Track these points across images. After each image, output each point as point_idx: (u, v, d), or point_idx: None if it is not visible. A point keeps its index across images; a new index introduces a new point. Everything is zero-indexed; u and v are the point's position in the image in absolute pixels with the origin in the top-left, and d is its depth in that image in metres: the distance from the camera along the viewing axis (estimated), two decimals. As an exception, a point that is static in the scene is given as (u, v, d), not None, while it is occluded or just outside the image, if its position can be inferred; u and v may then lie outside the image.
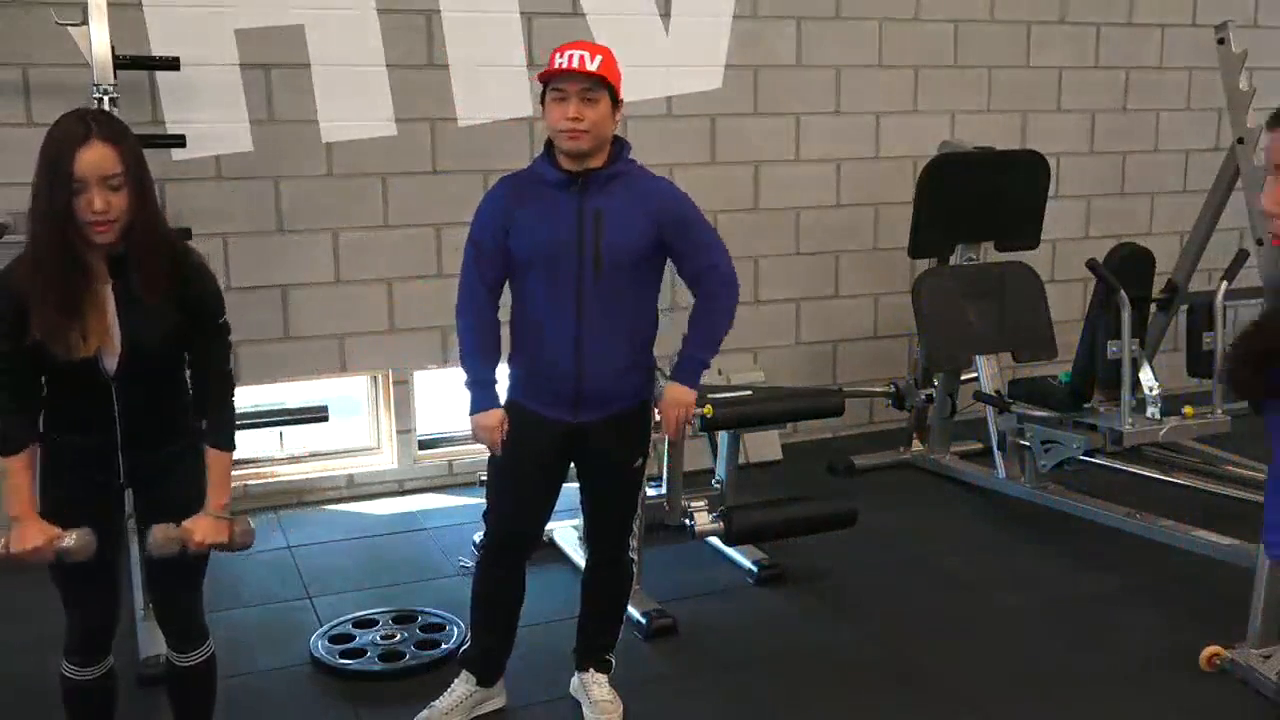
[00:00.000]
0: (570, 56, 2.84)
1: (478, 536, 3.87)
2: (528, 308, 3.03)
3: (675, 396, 3.11)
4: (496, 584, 3.24)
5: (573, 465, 3.20)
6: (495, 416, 3.07)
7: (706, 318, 3.10)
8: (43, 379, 2.48)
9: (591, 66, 2.82)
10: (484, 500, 3.25)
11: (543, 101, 2.93)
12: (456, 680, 3.30)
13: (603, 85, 2.84)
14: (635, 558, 3.37)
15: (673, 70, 5.30)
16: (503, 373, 3.15)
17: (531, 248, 2.95)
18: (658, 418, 3.19)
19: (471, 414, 3.09)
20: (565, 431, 3.05)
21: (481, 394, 3.08)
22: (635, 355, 3.06)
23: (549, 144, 2.96)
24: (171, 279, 2.45)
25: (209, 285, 2.56)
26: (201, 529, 2.55)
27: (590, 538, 3.34)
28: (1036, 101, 6.07)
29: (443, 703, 3.26)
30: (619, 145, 2.99)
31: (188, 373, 2.61)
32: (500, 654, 3.32)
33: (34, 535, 2.44)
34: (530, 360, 3.05)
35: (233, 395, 2.63)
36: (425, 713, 3.25)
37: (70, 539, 2.44)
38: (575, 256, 2.92)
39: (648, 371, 3.12)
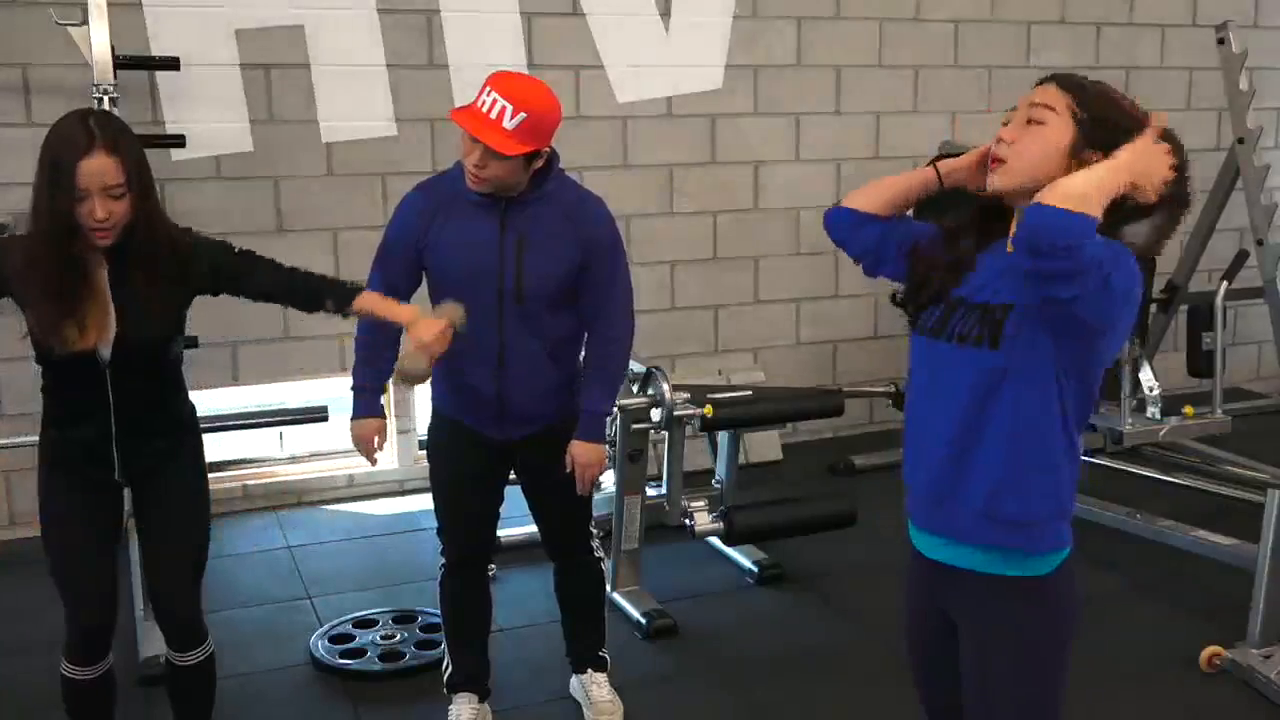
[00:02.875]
0: (492, 106, 2.61)
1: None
2: None
3: (584, 457, 2.95)
4: (462, 599, 3.17)
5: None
6: (371, 426, 3.02)
7: (603, 367, 2.98)
8: (19, 378, 2.49)
9: (508, 124, 2.59)
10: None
11: None
12: (454, 707, 3.20)
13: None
14: (601, 555, 3.30)
15: (673, 70, 5.30)
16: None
17: (449, 271, 2.86)
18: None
19: (351, 419, 3.05)
20: (495, 447, 2.99)
21: (362, 402, 3.03)
22: (561, 375, 2.97)
23: None
24: (171, 270, 2.45)
25: (209, 244, 2.56)
26: (423, 330, 2.54)
27: (548, 546, 3.28)
28: (1037, 101, 6.06)
29: None
30: (547, 162, 2.80)
31: (182, 367, 2.62)
32: (486, 668, 3.25)
33: None
34: (454, 379, 2.95)
35: (314, 272, 2.65)
36: None
37: None
38: (495, 285, 2.81)
39: (574, 386, 3.00)
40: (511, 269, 2.80)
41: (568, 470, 2.98)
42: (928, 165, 2.16)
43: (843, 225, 2.21)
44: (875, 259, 2.21)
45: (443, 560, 3.17)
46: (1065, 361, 1.92)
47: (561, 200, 2.85)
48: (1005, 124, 2.01)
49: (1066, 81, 1.98)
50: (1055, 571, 2.02)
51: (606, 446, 3.06)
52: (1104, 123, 1.93)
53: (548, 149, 2.76)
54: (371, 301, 2.65)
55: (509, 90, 2.63)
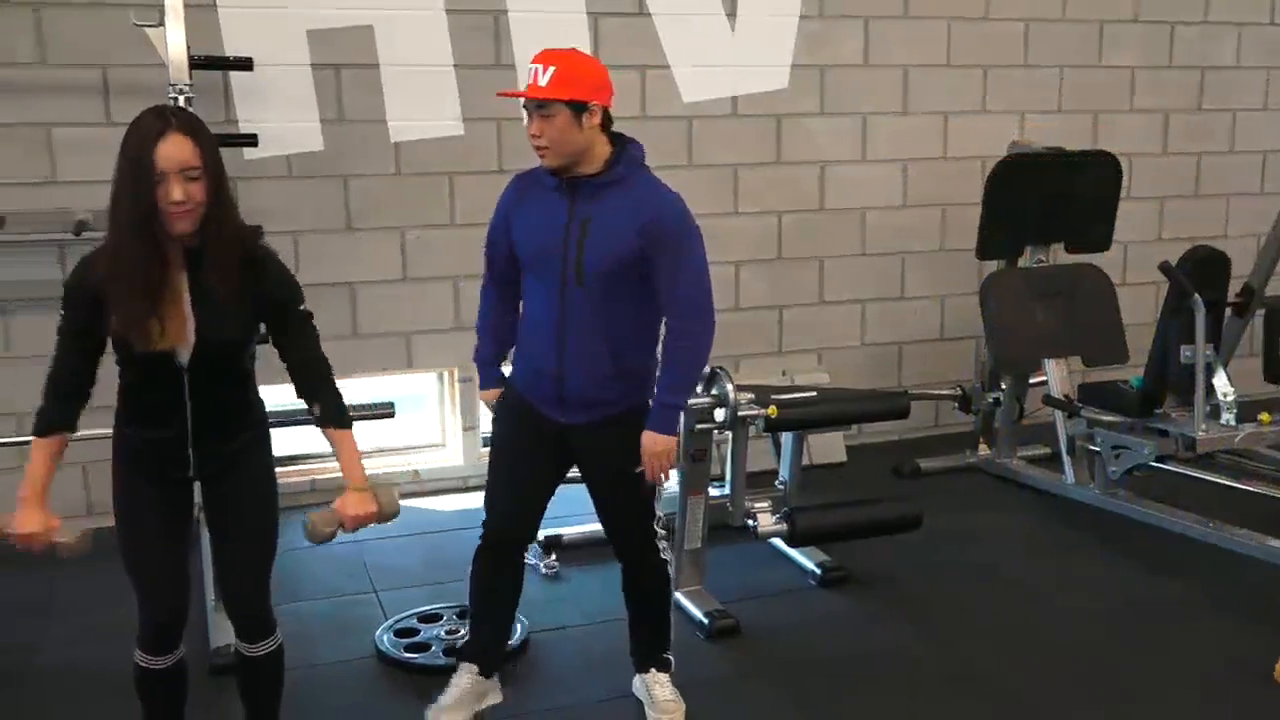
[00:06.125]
0: (528, 73, 2.88)
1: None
2: (526, 305, 3.12)
3: (652, 447, 3.00)
4: (491, 575, 3.23)
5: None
6: (492, 395, 3.26)
7: (679, 358, 2.99)
8: (99, 371, 2.54)
9: (543, 81, 2.82)
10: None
11: None
12: (456, 674, 3.28)
13: (552, 101, 2.82)
14: (668, 558, 3.29)
15: (738, 70, 5.29)
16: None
17: (524, 249, 3.04)
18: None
19: (480, 389, 3.34)
20: (556, 431, 3.06)
21: (483, 373, 3.29)
22: (621, 365, 3.00)
23: None
24: (244, 274, 2.50)
25: (284, 277, 2.60)
26: (351, 504, 2.63)
27: (613, 545, 3.30)
28: (1108, 101, 5.97)
29: (447, 697, 3.25)
30: (621, 147, 2.94)
31: (281, 363, 2.67)
32: (498, 645, 3.32)
33: (32, 521, 2.49)
34: (524, 355, 3.11)
35: (333, 375, 2.71)
36: (431, 709, 3.24)
37: (67, 535, 2.49)
38: (559, 262, 2.94)
39: (639, 379, 3.04)
40: (574, 248, 2.92)
41: (638, 467, 3.02)
42: None
43: None
44: None
45: (480, 535, 3.24)
46: None
47: (630, 187, 2.94)
48: None
49: None
50: None
51: (675, 439, 3.05)
52: None
53: (598, 105, 2.86)
54: (341, 442, 2.68)
55: (540, 58, 2.88)
